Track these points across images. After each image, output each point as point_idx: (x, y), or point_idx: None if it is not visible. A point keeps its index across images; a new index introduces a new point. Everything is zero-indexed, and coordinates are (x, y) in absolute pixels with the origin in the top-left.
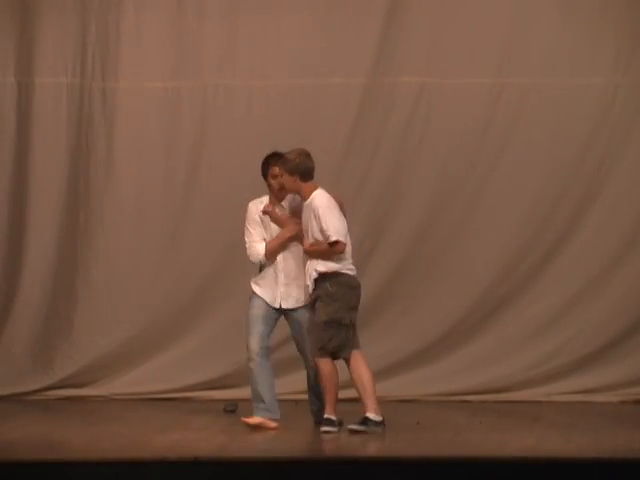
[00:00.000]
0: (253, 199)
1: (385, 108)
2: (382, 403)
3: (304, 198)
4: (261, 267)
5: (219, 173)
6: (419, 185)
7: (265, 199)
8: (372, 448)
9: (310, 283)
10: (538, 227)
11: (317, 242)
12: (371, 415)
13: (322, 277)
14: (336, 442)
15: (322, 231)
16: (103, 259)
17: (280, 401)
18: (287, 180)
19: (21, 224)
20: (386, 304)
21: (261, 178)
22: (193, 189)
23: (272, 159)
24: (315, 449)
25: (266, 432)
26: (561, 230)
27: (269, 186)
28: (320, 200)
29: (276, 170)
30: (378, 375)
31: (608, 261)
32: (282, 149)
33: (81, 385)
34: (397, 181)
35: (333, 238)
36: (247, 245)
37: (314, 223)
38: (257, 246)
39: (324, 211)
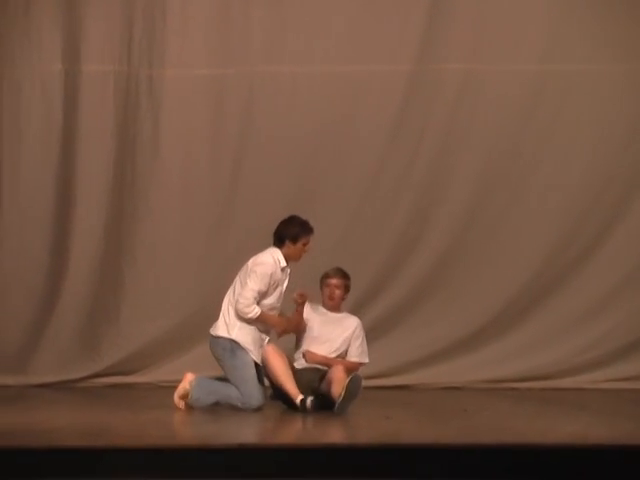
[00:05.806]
0: (299, 188)
1: (430, 95)
2: (428, 390)
3: (338, 310)
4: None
5: (265, 160)
6: (464, 173)
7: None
8: (418, 435)
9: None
10: (583, 214)
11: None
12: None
13: None
14: (378, 429)
15: (356, 351)
16: (150, 245)
17: None
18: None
19: (68, 211)
20: (432, 291)
21: (308, 164)
22: (239, 175)
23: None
24: (357, 436)
25: (311, 420)
26: (606, 218)
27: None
28: (358, 321)
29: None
30: (423, 362)
31: None
32: (327, 136)
33: (128, 372)
34: (442, 169)
35: (367, 361)
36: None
37: (346, 337)
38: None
39: (364, 335)
